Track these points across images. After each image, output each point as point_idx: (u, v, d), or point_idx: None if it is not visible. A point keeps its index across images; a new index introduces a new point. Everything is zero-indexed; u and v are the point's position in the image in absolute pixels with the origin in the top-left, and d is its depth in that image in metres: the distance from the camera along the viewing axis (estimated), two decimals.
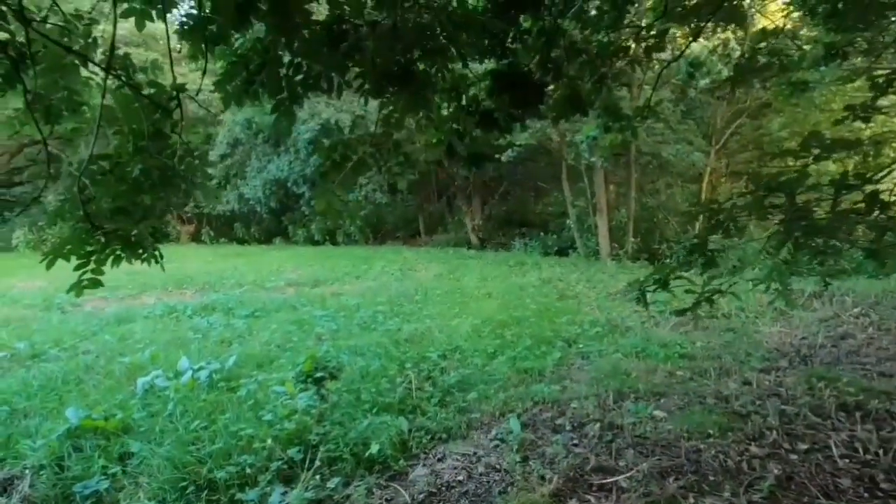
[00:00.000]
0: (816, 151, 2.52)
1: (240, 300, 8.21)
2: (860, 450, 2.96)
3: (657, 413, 3.54)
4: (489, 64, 3.21)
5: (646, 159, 14.57)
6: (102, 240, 2.02)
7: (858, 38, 4.13)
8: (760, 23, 9.92)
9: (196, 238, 21.17)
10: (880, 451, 2.91)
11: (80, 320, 6.97)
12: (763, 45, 3.84)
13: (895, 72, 3.70)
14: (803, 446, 3.01)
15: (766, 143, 16.65)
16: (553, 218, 17.67)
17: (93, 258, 2.11)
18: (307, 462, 3.07)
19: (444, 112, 2.85)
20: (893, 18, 4.24)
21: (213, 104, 17.65)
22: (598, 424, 3.42)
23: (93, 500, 2.83)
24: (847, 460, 2.87)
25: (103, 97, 2.06)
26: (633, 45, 3.95)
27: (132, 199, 2.17)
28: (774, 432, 3.15)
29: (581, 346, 5.49)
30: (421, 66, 2.56)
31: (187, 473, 2.92)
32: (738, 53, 12.47)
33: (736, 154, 17.77)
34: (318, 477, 2.91)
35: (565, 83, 3.24)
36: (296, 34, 2.25)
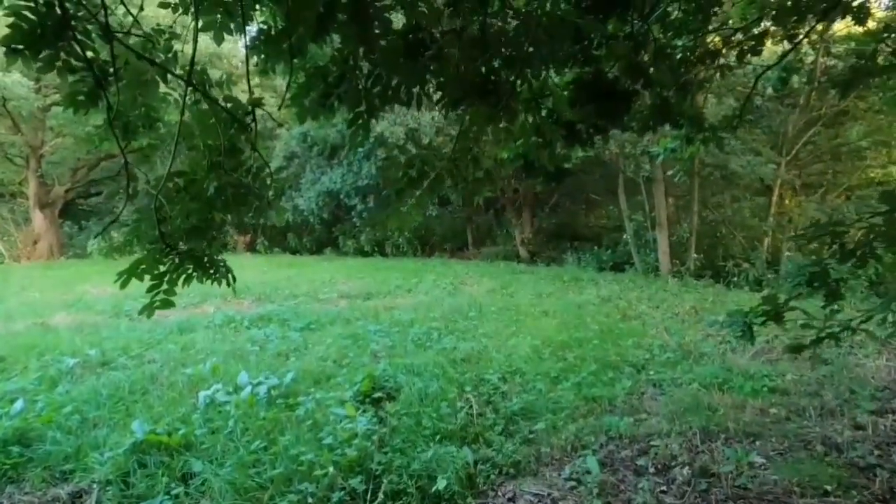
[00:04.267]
0: None
1: (294, 312, 8.26)
2: None
3: (756, 459, 3.14)
4: (569, 74, 2.98)
5: (708, 171, 13.76)
6: (176, 260, 1.94)
7: None
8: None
9: (251, 248, 21.90)
10: None
11: (146, 328, 7.20)
12: (876, 44, 3.40)
13: None
14: None
15: (844, 154, 15.43)
16: (607, 231, 16.99)
17: (165, 279, 2.03)
18: (369, 493, 2.90)
19: (525, 124, 2.64)
20: None
21: (269, 120, 18.30)
22: (686, 468, 3.07)
23: None
24: None
25: (182, 112, 2.00)
26: (724, 50, 3.61)
27: (205, 217, 2.10)
28: None
29: (652, 373, 5.09)
30: (503, 76, 2.37)
31: (249, 499, 2.82)
32: (810, 59, 11.63)
33: (808, 165, 16.53)
34: None
35: (654, 92, 2.97)
36: (375, 44, 2.11)
